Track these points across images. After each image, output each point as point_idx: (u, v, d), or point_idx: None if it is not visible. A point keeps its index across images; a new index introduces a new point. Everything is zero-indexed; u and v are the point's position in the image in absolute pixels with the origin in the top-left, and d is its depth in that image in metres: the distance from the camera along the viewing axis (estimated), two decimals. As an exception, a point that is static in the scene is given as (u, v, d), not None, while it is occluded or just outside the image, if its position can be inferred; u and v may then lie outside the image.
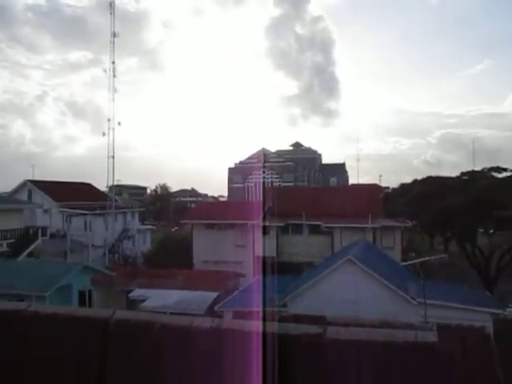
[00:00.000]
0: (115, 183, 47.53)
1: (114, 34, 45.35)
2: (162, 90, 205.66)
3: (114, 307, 2.92)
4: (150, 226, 60.58)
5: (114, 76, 45.05)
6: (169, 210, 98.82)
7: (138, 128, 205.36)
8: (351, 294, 19.45)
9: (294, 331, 2.30)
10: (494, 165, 44.13)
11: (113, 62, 45.24)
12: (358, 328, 2.32)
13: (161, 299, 23.73)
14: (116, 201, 48.86)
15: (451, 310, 18.42)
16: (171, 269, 30.81)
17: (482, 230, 44.38)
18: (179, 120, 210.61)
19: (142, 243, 50.33)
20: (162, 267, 33.90)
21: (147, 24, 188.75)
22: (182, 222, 49.07)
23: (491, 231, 42.82)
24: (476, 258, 40.55)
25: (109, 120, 44.51)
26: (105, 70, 45.23)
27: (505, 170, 42.15)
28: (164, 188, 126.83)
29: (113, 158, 44.55)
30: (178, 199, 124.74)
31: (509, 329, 27.91)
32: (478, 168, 47.76)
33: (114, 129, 44.55)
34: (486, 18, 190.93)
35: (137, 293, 25.90)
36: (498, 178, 41.85)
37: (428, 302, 17.97)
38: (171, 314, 13.09)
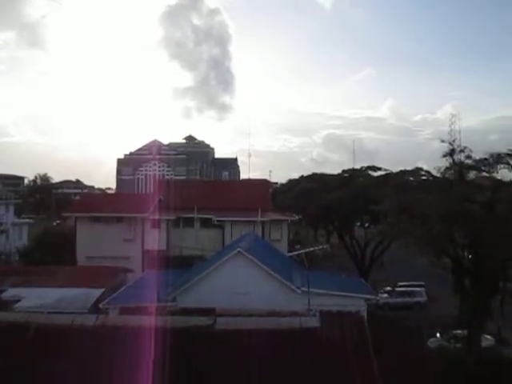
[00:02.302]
0: (-15, 172, 42.94)
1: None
2: (43, 72, 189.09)
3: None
4: (27, 220, 55.88)
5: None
6: (50, 203, 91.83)
7: (13, 111, 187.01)
8: (241, 286, 19.87)
9: (183, 324, 2.29)
10: (371, 164, 48.47)
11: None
12: (247, 318, 2.38)
13: (38, 298, 22.00)
14: (-14, 191, 44.05)
15: (332, 298, 19.82)
16: (51, 266, 28.75)
17: (358, 224, 48.54)
18: (63, 106, 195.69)
19: (17, 238, 46.49)
20: (41, 264, 31.55)
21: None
22: (64, 214, 45.84)
23: (367, 224, 47.03)
24: (354, 248, 44.21)
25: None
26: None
27: (379, 169, 46.55)
28: (44, 178, 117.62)
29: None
30: (60, 191, 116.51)
31: (379, 312, 30.98)
32: (357, 167, 52.01)
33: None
34: (371, 29, 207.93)
35: (10, 293, 23.70)
36: (373, 176, 45.91)
37: (312, 290, 19.08)
38: (50, 313, 12.16)
